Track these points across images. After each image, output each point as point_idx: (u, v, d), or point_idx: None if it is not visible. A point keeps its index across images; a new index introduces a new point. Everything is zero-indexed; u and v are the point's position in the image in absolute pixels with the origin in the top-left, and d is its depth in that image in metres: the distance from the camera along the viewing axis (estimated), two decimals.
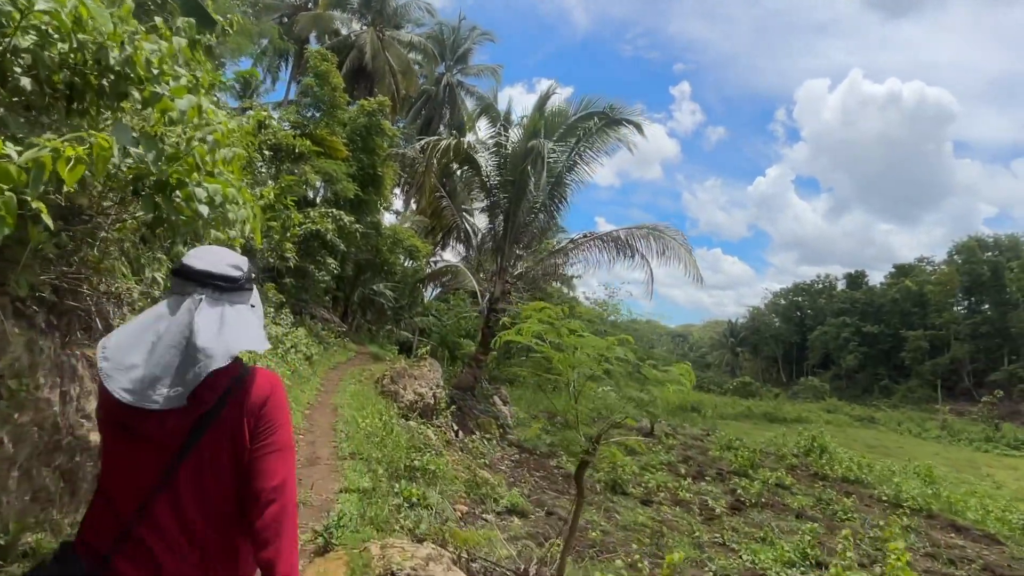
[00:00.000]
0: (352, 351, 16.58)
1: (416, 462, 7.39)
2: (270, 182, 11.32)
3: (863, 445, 29.58)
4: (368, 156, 18.86)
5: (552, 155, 15.16)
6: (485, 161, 15.57)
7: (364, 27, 29.83)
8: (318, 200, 16.66)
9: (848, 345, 68.03)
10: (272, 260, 12.98)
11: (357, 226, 15.37)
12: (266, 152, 11.76)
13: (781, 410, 37.09)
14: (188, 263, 1.41)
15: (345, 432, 7.77)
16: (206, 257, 1.43)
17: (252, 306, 1.51)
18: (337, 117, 18.78)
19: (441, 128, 39.25)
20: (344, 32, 30.04)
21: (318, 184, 16.03)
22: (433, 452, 8.29)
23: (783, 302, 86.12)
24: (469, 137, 15.78)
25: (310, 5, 31.67)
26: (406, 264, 21.40)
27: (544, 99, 14.93)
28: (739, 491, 11.99)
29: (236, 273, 1.45)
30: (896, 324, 66.20)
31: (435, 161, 15.26)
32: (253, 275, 1.53)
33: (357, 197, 18.06)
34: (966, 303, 64.66)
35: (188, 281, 1.40)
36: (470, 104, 34.82)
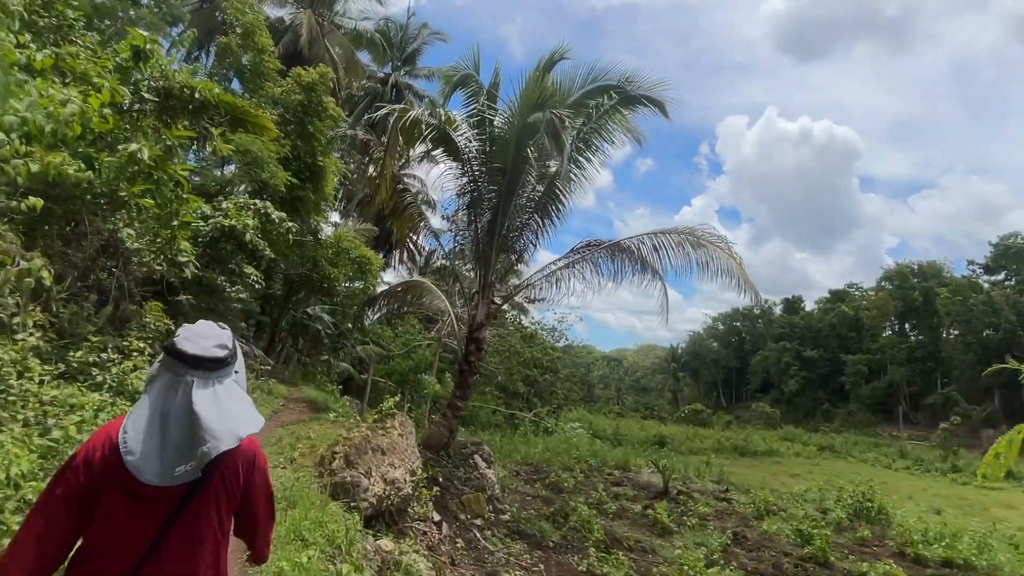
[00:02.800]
0: (280, 397, 11.96)
1: None
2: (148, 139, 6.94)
3: (847, 481, 26.95)
4: (305, 143, 14.45)
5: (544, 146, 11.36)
6: (466, 143, 11.57)
7: (300, 10, 25.36)
8: (235, 193, 12.02)
9: (789, 370, 67.51)
10: (157, 266, 8.44)
11: (291, 225, 10.93)
12: (146, 95, 7.37)
13: (751, 442, 34.31)
14: (179, 347, 1.56)
15: None
16: (195, 340, 1.59)
17: (236, 372, 1.68)
18: (265, 90, 14.31)
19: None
20: (277, 14, 25.45)
21: (231, 171, 11.54)
22: None
23: (721, 327, 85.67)
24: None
25: None
26: (351, 283, 16.85)
27: (549, 64, 11.11)
28: None
29: (222, 353, 1.61)
30: (834, 348, 66.25)
31: (399, 139, 11.14)
32: (235, 346, 1.67)
33: (291, 192, 13.58)
34: (898, 328, 65.49)
35: (179, 363, 1.55)
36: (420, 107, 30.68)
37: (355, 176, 29.58)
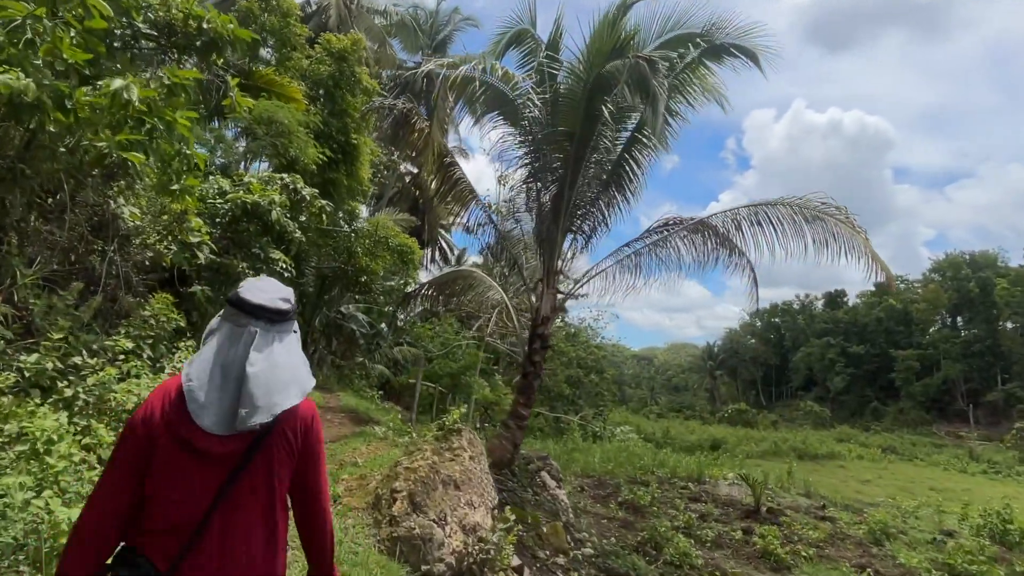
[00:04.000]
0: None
1: None
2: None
3: (928, 489, 24.42)
4: (338, 120, 12.75)
5: (624, 100, 9.43)
6: (526, 104, 9.68)
7: None
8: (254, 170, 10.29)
9: (834, 366, 64.16)
10: (164, 249, 6.77)
11: (324, 203, 9.16)
12: (142, 26, 5.70)
13: (809, 445, 31.79)
14: (244, 296, 1.55)
15: None
16: (259, 291, 1.57)
17: (295, 332, 1.65)
18: (292, 62, 12.64)
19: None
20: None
21: (242, 146, 9.84)
22: None
23: (759, 323, 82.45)
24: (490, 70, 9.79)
25: None
26: (390, 279, 15.10)
27: (623, 5, 9.16)
28: None
29: (286, 307, 1.59)
30: (882, 344, 62.78)
31: (448, 100, 9.34)
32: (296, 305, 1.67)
33: (322, 174, 11.89)
34: (951, 321, 61.72)
35: (242, 313, 1.53)
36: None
37: (386, 171, 27.95)
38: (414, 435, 6.99)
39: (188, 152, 5.43)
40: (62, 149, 4.97)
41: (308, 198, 8.90)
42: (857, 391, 62.89)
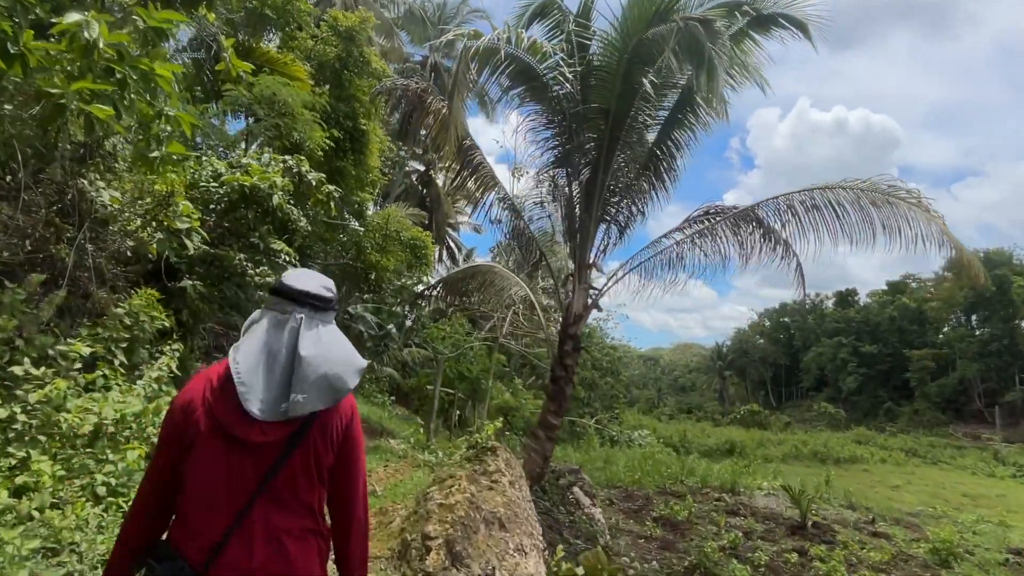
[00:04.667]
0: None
1: None
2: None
3: (960, 495, 23.29)
4: (345, 105, 11.75)
5: (665, 73, 8.42)
6: (556, 79, 8.65)
7: None
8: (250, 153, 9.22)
9: (847, 366, 62.85)
10: (146, 237, 5.78)
11: (331, 189, 8.14)
12: None
13: (831, 448, 30.65)
14: (288, 283, 1.55)
15: None
16: (301, 278, 1.58)
17: (334, 323, 1.63)
18: (296, 42, 11.65)
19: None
20: None
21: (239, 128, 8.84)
22: None
23: (767, 323, 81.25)
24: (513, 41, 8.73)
25: None
26: (400, 275, 14.08)
27: None
28: None
29: (328, 294, 1.59)
30: (895, 343, 61.46)
31: (470, 73, 8.32)
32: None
33: (328, 162, 10.90)
34: (966, 320, 60.34)
35: (286, 300, 1.54)
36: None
37: (393, 168, 26.92)
38: (439, 453, 5.97)
39: (171, 112, 4.42)
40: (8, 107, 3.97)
41: (314, 183, 7.89)
42: (870, 391, 61.60)
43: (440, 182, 39.17)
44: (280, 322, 1.50)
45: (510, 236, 9.54)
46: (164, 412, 1.45)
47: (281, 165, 7.59)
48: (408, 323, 23.23)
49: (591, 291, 8.94)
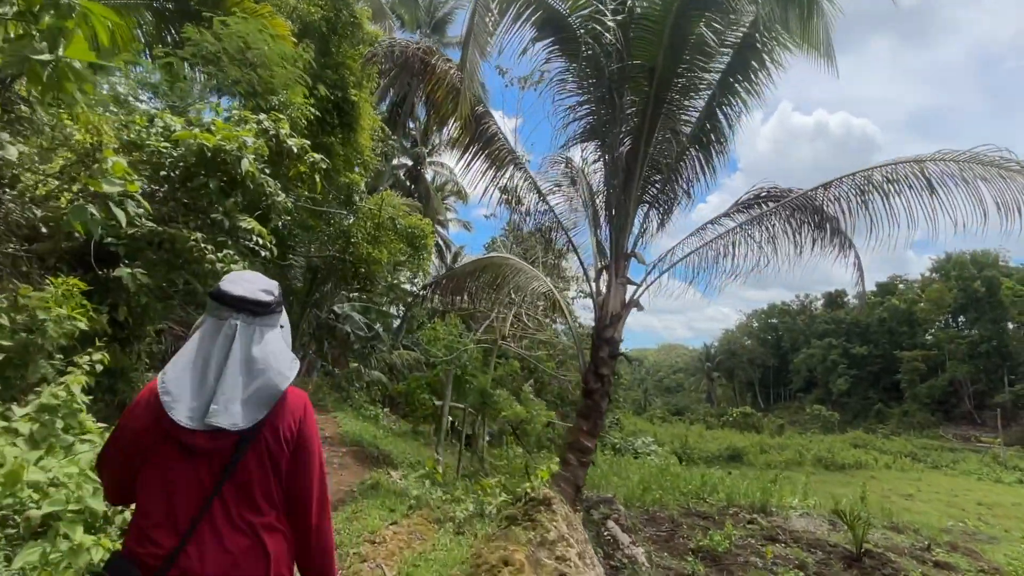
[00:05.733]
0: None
1: None
2: None
3: (975, 504, 22.23)
4: (333, 72, 10.14)
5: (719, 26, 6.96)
6: (591, 31, 7.14)
7: None
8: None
9: (837, 368, 62.28)
10: (64, 205, 4.17)
11: (318, 159, 6.53)
12: None
13: (835, 453, 29.53)
14: (224, 288, 1.47)
15: None
16: (240, 283, 1.50)
17: (281, 327, 1.56)
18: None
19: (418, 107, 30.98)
20: None
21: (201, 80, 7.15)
22: None
23: (755, 324, 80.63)
24: None
25: None
26: (395, 269, 12.46)
27: None
28: None
29: (268, 298, 1.50)
30: (885, 345, 60.99)
31: (488, 20, 6.78)
32: (281, 298, 1.56)
33: (314, 137, 9.24)
34: (955, 321, 60.04)
35: (223, 306, 1.45)
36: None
37: (382, 159, 25.21)
38: (467, 502, 4.41)
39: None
40: None
41: (295, 150, 6.29)
42: (860, 393, 61.08)
43: (429, 177, 37.63)
44: (216, 328, 1.44)
45: (530, 223, 8.01)
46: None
47: (255, 125, 5.98)
48: (397, 323, 21.63)
49: (628, 285, 7.44)
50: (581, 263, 7.85)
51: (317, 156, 6.46)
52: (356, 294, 17.32)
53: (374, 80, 11.34)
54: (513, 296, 8.89)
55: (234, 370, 1.38)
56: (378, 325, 19.91)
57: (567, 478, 6.92)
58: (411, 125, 35.96)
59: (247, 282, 1.51)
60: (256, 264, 5.90)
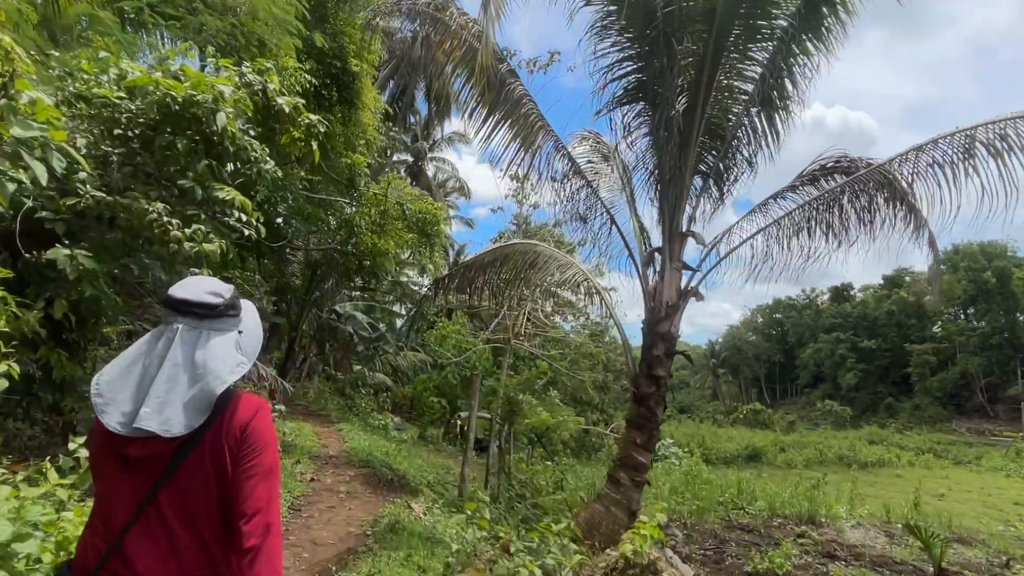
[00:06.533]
0: (305, 458, 6.24)
1: None
2: None
3: (1011, 504, 21.06)
4: (332, 40, 8.96)
5: None
6: None
7: None
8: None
9: (845, 362, 61.11)
10: None
11: (315, 120, 5.35)
12: None
13: (857, 451, 28.35)
14: (170, 293, 1.41)
15: None
16: (185, 286, 1.42)
17: (240, 332, 1.46)
18: None
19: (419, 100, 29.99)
20: None
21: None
22: None
23: (760, 319, 79.50)
24: None
25: None
26: (404, 263, 11.27)
27: None
28: None
29: (214, 300, 1.41)
30: (893, 338, 59.82)
31: None
32: (236, 302, 1.46)
33: (309, 110, 8.05)
34: (965, 313, 58.91)
35: (169, 310, 1.40)
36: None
37: (380, 155, 24.02)
38: (531, 563, 3.22)
39: None
40: None
41: (288, 111, 5.10)
42: (869, 387, 59.89)
43: (431, 173, 36.47)
44: (160, 332, 1.38)
45: (558, 208, 6.82)
46: None
47: (236, 78, 4.80)
48: (404, 322, 20.47)
49: (684, 270, 6.26)
50: (627, 246, 6.65)
51: (313, 117, 5.26)
52: (359, 293, 16.16)
53: (375, 53, 10.17)
54: (541, 286, 7.71)
55: (170, 374, 1.30)
56: (382, 325, 18.73)
57: (618, 501, 5.74)
58: (412, 120, 34.84)
59: (193, 285, 1.43)
60: (233, 235, 4.69)
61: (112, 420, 1.27)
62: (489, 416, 7.18)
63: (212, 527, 1.32)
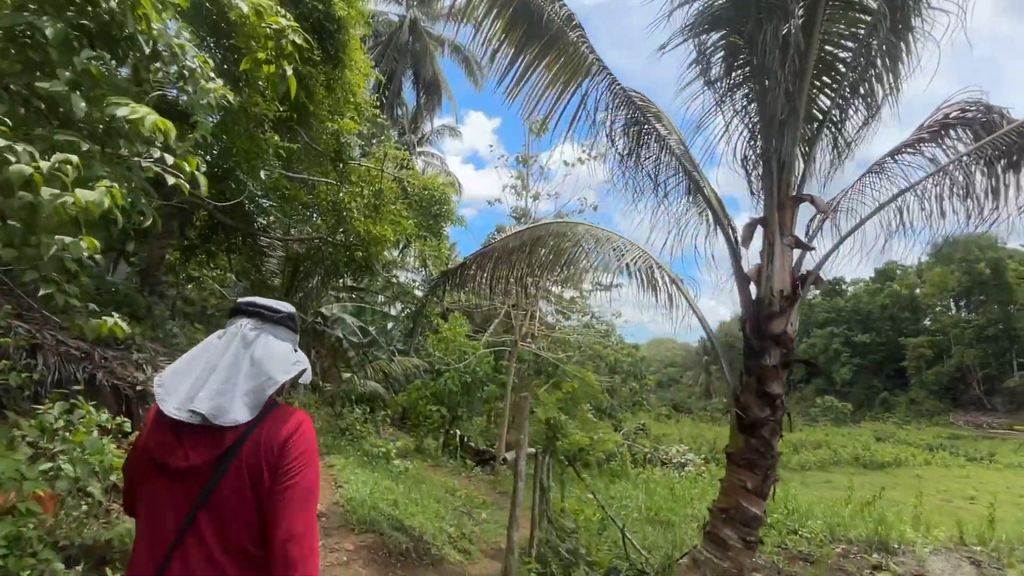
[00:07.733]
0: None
1: None
2: None
3: None
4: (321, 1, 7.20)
5: None
6: None
7: None
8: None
9: (839, 357, 60.24)
10: None
11: (285, 27, 3.67)
12: None
13: (872, 451, 27.00)
14: (238, 300, 1.47)
15: None
16: (254, 299, 1.47)
17: (294, 339, 1.49)
18: None
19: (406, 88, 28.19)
20: None
21: None
22: None
23: None
24: None
25: None
26: (403, 252, 9.51)
27: None
28: None
29: (279, 306, 1.45)
30: (888, 331, 59.04)
31: None
32: (295, 318, 1.50)
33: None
34: (959, 306, 58.31)
35: (236, 314, 1.44)
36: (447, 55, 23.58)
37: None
38: None
39: None
40: None
41: (246, 10, 3.35)
42: (864, 381, 59.09)
43: (419, 168, 34.64)
44: (225, 331, 1.42)
45: (627, 159, 5.11)
46: None
47: None
48: (404, 325, 18.73)
49: (799, 248, 4.60)
50: (718, 216, 4.94)
51: (284, 22, 3.51)
52: (347, 293, 14.35)
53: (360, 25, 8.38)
54: (586, 274, 6.01)
55: (231, 365, 1.31)
56: (373, 329, 16.93)
57: (726, 571, 4.06)
58: (399, 112, 32.95)
59: (260, 297, 1.47)
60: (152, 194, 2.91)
61: (170, 406, 1.27)
62: (533, 450, 5.45)
63: (251, 544, 1.26)
